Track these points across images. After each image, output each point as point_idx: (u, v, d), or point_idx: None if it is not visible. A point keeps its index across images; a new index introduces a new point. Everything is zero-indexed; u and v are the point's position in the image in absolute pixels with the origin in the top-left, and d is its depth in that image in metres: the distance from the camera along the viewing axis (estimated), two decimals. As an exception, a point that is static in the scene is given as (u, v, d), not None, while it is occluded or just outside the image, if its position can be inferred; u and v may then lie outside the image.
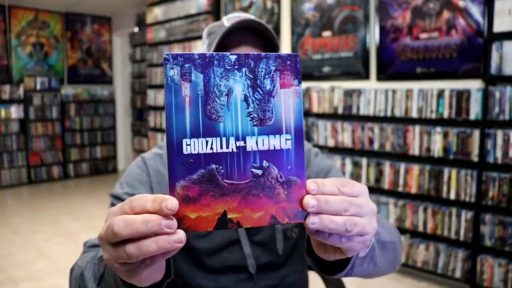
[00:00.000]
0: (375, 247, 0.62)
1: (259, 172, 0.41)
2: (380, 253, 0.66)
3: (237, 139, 0.41)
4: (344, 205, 0.42)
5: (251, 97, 0.41)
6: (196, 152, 0.40)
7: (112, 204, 0.88)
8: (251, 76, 0.42)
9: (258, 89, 0.42)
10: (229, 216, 0.41)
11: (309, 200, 0.41)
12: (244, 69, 0.41)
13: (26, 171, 6.14)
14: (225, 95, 0.41)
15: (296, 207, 0.42)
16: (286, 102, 0.42)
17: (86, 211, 4.76)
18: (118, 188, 0.89)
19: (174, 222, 0.38)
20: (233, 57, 0.41)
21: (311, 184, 0.42)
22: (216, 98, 0.41)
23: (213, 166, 0.41)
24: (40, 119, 6.23)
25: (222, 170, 0.41)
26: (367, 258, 0.60)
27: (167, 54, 0.40)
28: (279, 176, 0.42)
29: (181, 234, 0.39)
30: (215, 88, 0.41)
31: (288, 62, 0.42)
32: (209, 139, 0.41)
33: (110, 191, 0.90)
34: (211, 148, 0.41)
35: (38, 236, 3.91)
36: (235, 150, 0.41)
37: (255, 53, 0.42)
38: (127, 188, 0.88)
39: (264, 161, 0.42)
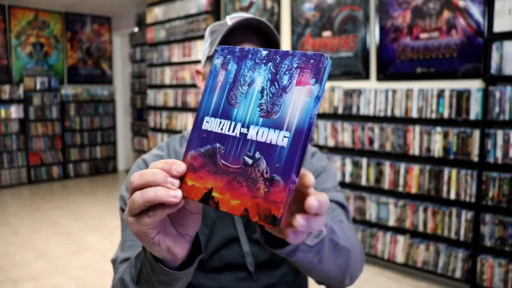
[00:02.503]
0: (325, 242, 0.62)
1: (249, 161, 0.42)
2: (330, 252, 0.65)
3: (242, 126, 0.44)
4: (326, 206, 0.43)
5: (267, 90, 0.43)
6: (210, 129, 0.45)
7: (121, 208, 0.90)
8: (273, 71, 0.44)
9: (276, 83, 0.43)
10: (213, 194, 0.43)
11: (313, 202, 0.40)
12: (269, 64, 0.44)
13: (26, 171, 6.14)
14: (247, 85, 0.45)
15: (269, 209, 0.40)
16: (296, 99, 0.41)
17: (86, 211, 4.76)
18: (125, 191, 0.90)
19: (177, 181, 0.44)
20: (264, 52, 0.45)
21: (314, 202, 0.41)
22: (239, 87, 0.45)
23: (217, 145, 0.44)
24: (40, 119, 6.23)
25: (222, 151, 0.44)
26: (314, 249, 0.60)
27: (219, 46, 0.48)
28: (265, 171, 0.41)
29: (178, 192, 0.43)
30: (241, 77, 0.45)
31: (312, 61, 0.42)
32: (222, 121, 0.45)
33: (120, 195, 0.91)
34: (221, 129, 0.45)
35: (38, 236, 3.91)
36: (238, 135, 0.43)
37: (286, 50, 0.43)
38: None
39: (257, 153, 0.42)
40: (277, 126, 0.42)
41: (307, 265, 0.62)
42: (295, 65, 0.42)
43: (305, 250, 0.58)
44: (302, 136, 0.40)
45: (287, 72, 0.42)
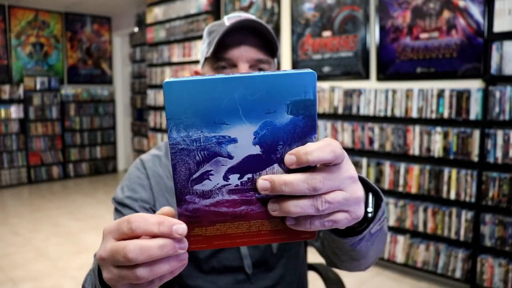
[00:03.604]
0: (384, 228, 0.60)
1: None
2: (378, 238, 0.64)
3: None
4: (313, 184, 0.38)
5: None
6: None
7: (116, 210, 0.89)
8: None
9: None
10: None
11: (260, 182, 0.38)
12: None
13: (26, 171, 6.13)
14: None
15: None
16: None
17: (86, 211, 4.76)
18: (120, 193, 0.90)
19: (186, 244, 0.39)
20: None
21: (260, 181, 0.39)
22: None
23: None
24: (40, 119, 6.23)
25: None
26: (373, 236, 0.58)
27: None
28: None
29: (186, 253, 0.40)
30: None
31: None
32: None
33: (112, 196, 0.91)
34: None
35: (38, 236, 3.91)
36: None
37: None
38: (128, 192, 0.89)
39: None
40: None
41: (364, 253, 0.61)
42: None
43: (367, 238, 0.55)
44: None
45: None
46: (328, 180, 0.38)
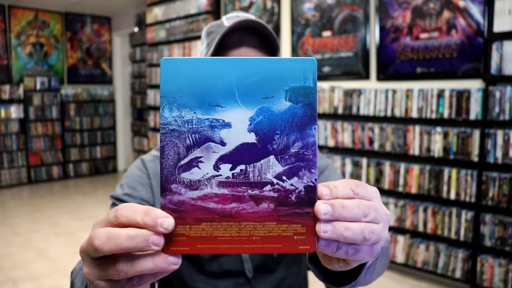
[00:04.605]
0: (378, 254, 0.59)
1: None
2: (378, 260, 0.63)
3: None
4: (363, 210, 0.37)
5: None
6: None
7: (113, 204, 0.87)
8: None
9: None
10: None
11: (321, 206, 0.36)
12: None
13: (26, 171, 6.13)
14: None
15: None
16: None
17: (86, 211, 4.76)
18: (119, 190, 0.88)
19: (162, 240, 0.35)
20: None
21: (323, 188, 0.37)
22: None
23: None
24: (40, 119, 6.23)
25: None
26: (371, 267, 0.56)
27: None
28: None
29: (178, 258, 0.36)
30: None
31: None
32: None
33: (111, 193, 0.89)
34: None
35: (38, 236, 3.91)
36: None
37: None
38: (127, 190, 0.87)
39: None
40: None
41: (364, 284, 0.59)
42: None
43: (364, 274, 0.53)
44: None
45: None
46: (372, 210, 0.38)
